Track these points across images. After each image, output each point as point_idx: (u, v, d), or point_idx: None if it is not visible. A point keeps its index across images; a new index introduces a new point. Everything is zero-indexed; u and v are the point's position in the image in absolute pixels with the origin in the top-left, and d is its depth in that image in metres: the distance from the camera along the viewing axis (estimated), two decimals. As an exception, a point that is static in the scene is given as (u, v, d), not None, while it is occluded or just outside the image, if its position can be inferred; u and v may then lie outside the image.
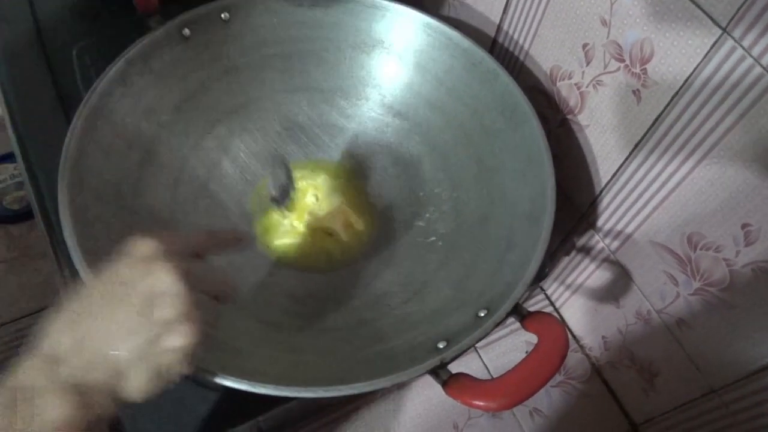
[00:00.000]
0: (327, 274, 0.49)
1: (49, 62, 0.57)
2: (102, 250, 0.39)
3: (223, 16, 0.51)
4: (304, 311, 0.45)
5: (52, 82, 0.56)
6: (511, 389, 0.35)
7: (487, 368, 0.62)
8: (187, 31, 0.50)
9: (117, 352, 0.29)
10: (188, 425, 0.42)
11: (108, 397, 0.29)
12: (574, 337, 0.65)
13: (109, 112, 0.45)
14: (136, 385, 0.29)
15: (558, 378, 0.62)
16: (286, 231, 0.50)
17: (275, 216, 0.50)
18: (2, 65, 0.57)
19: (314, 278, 0.48)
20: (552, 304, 0.67)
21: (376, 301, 0.46)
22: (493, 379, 0.35)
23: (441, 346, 0.38)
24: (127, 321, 0.29)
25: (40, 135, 0.53)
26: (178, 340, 0.29)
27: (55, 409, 0.27)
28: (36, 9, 0.62)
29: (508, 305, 0.39)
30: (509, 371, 0.35)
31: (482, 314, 0.39)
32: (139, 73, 0.47)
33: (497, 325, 0.38)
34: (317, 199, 0.51)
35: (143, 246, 0.30)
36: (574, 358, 0.64)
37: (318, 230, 0.50)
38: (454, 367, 0.37)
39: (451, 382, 0.35)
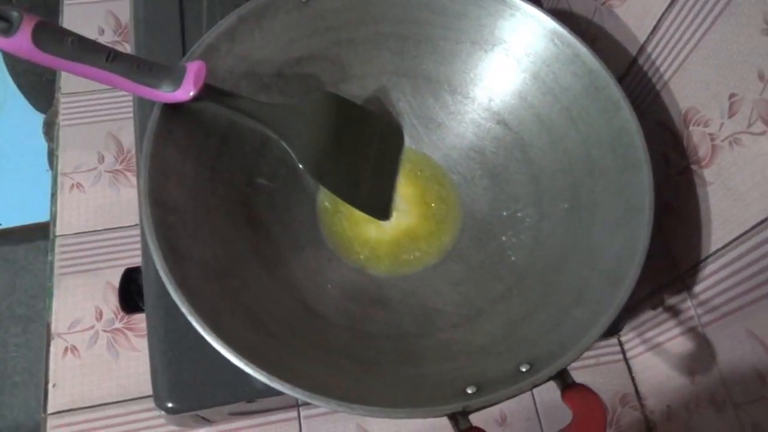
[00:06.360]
0: (386, 273, 0.47)
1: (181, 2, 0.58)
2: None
3: (345, -15, 0.49)
4: (351, 309, 0.44)
5: (180, 21, 0.57)
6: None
7: (536, 409, 0.58)
8: (306, -4, 0.48)
9: None
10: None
11: None
12: (637, 393, 0.60)
13: (212, 68, 0.45)
14: None
15: (607, 432, 0.58)
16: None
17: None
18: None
19: (371, 277, 0.47)
20: (623, 352, 0.61)
21: (426, 316, 0.44)
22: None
23: (470, 391, 0.36)
24: None
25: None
26: None
27: None
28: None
29: (553, 369, 0.35)
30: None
31: (524, 369, 0.36)
32: (250, 31, 0.47)
33: (535, 386, 0.35)
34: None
35: None
36: (631, 415, 0.59)
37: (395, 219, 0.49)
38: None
39: (466, 435, 0.33)
